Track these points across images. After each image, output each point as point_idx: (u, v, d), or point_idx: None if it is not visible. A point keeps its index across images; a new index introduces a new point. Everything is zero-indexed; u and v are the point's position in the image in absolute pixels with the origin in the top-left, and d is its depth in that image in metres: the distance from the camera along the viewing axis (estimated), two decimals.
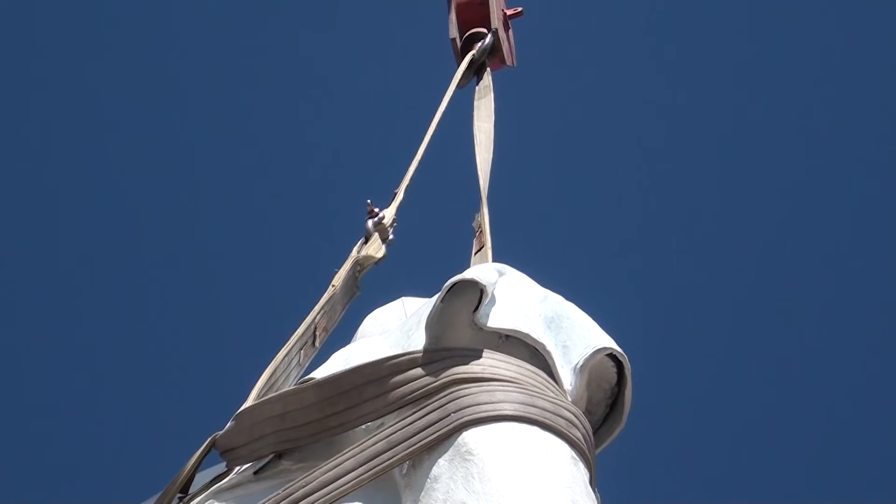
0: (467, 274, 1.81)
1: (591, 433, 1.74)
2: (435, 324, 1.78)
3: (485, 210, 2.57)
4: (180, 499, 1.85)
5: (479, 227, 2.51)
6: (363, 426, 1.78)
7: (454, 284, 1.78)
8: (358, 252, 2.46)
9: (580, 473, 1.64)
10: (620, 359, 1.82)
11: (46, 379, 6.73)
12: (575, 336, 1.81)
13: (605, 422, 1.86)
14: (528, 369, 1.75)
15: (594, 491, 1.67)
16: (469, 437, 1.63)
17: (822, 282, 7.15)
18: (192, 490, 1.87)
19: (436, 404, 1.69)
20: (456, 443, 1.63)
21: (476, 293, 1.78)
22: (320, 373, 1.93)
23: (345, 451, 1.71)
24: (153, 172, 7.00)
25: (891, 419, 6.89)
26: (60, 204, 7.01)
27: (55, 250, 6.96)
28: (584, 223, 7.11)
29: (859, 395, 7.04)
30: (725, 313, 7.13)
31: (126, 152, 7.01)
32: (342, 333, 2.32)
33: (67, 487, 6.47)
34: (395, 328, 2.03)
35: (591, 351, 1.78)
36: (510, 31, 3.22)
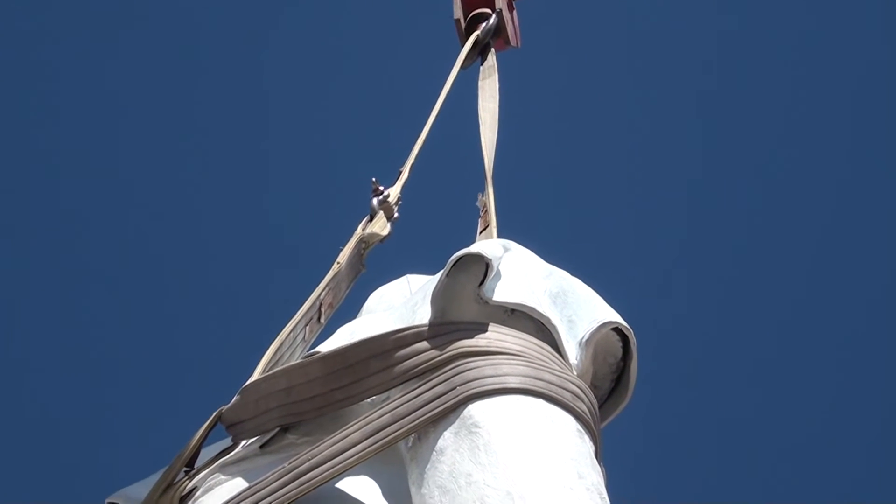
0: (473, 248, 1.79)
1: (596, 406, 1.73)
2: (440, 298, 1.77)
3: (490, 189, 2.56)
4: (186, 472, 1.84)
5: (484, 206, 2.50)
6: (368, 400, 1.76)
7: (459, 258, 1.76)
8: (363, 230, 2.44)
9: (585, 446, 1.63)
10: (626, 333, 1.80)
11: (50, 352, 6.75)
12: (580, 311, 1.80)
13: (610, 396, 1.84)
14: (534, 343, 1.73)
15: (600, 464, 1.66)
16: (475, 409, 1.62)
17: (821, 276, 7.15)
18: (197, 464, 1.86)
19: (441, 377, 1.68)
20: (462, 415, 1.62)
21: (482, 267, 1.76)
22: (326, 347, 1.92)
23: (350, 425, 1.70)
24: (159, 149, 6.98)
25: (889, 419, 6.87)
26: (59, 189, 7.00)
27: (54, 236, 6.96)
28: (588, 202, 7.10)
29: (858, 393, 7.02)
30: (735, 295, 7.09)
31: (128, 130, 7.00)
32: (347, 310, 2.31)
33: (72, 462, 6.48)
34: (401, 304, 2.02)
35: (596, 325, 1.76)
36: (514, 12, 3.20)
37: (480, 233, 2.45)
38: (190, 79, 7.12)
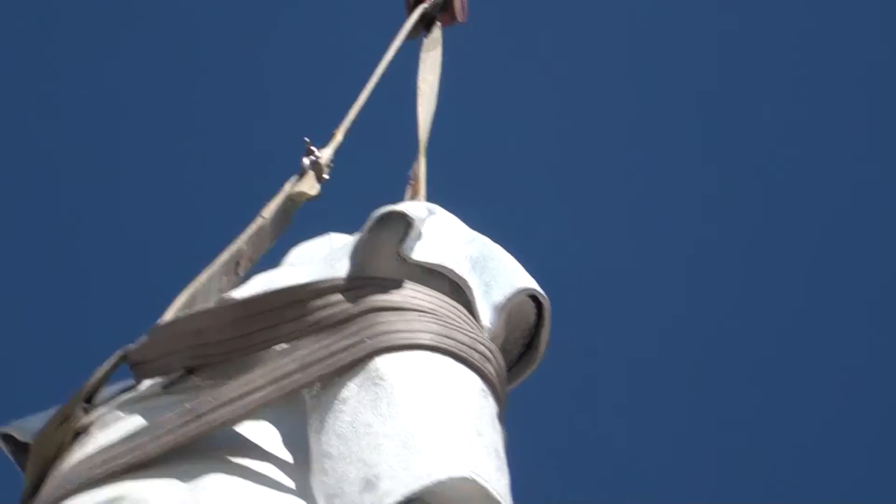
0: (396, 206, 1.78)
1: (504, 369, 1.73)
2: (360, 252, 1.76)
3: (422, 160, 2.56)
4: (84, 408, 1.81)
5: (414, 172, 2.50)
6: (278, 348, 1.74)
7: (383, 215, 1.75)
8: (291, 187, 2.42)
9: (489, 406, 1.62)
10: (541, 300, 1.80)
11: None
12: (499, 276, 1.80)
13: (519, 360, 1.84)
14: (448, 303, 1.72)
15: (501, 425, 1.65)
16: (381, 362, 1.61)
17: (822, 275, 7.03)
18: (97, 401, 1.83)
19: (352, 329, 1.66)
20: (367, 367, 1.60)
21: (403, 224, 1.75)
22: (240, 294, 1.90)
23: (256, 370, 1.67)
24: (159, 149, 6.91)
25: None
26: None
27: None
28: (520, 179, 7.13)
29: (859, 394, 6.91)
30: (735, 295, 6.99)
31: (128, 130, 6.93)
32: (266, 264, 2.28)
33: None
34: (320, 259, 2.00)
35: (512, 290, 1.77)
36: None
37: (408, 195, 2.45)
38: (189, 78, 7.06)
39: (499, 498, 1.47)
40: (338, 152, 2.57)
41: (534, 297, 1.80)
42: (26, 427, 1.82)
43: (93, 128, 6.86)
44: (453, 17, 3.09)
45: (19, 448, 1.84)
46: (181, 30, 7.03)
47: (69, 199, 6.80)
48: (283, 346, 1.73)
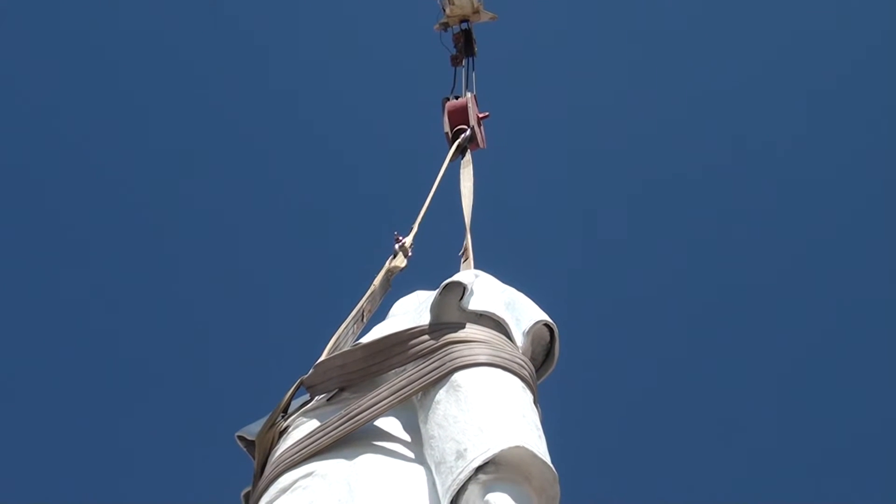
0: (455, 277, 1.83)
1: (534, 372, 1.75)
2: (435, 308, 1.80)
3: (468, 236, 2.59)
4: (282, 416, 1.86)
5: (465, 246, 2.53)
6: (392, 371, 1.78)
7: (447, 284, 1.80)
8: (389, 263, 2.47)
9: (527, 397, 1.65)
10: (552, 327, 1.83)
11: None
12: (523, 313, 1.82)
13: (542, 365, 1.86)
14: (495, 334, 1.75)
15: (537, 407, 1.68)
16: (458, 376, 1.65)
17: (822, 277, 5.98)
18: (289, 411, 1.88)
19: (437, 356, 1.70)
20: (450, 380, 1.65)
21: (461, 288, 1.79)
22: (367, 339, 1.94)
23: (382, 386, 1.72)
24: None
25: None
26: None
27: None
28: (532, 247, 7.13)
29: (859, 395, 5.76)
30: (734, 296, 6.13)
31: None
32: (380, 313, 2.33)
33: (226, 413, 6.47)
34: (413, 310, 2.03)
35: (532, 322, 1.79)
36: (482, 127, 3.26)
37: (462, 263, 2.47)
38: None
39: (541, 456, 1.50)
40: (415, 238, 2.61)
41: (547, 325, 1.83)
42: (251, 430, 1.86)
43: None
44: (478, 145, 3.15)
45: (249, 444, 1.87)
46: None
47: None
48: (397, 370, 1.78)
